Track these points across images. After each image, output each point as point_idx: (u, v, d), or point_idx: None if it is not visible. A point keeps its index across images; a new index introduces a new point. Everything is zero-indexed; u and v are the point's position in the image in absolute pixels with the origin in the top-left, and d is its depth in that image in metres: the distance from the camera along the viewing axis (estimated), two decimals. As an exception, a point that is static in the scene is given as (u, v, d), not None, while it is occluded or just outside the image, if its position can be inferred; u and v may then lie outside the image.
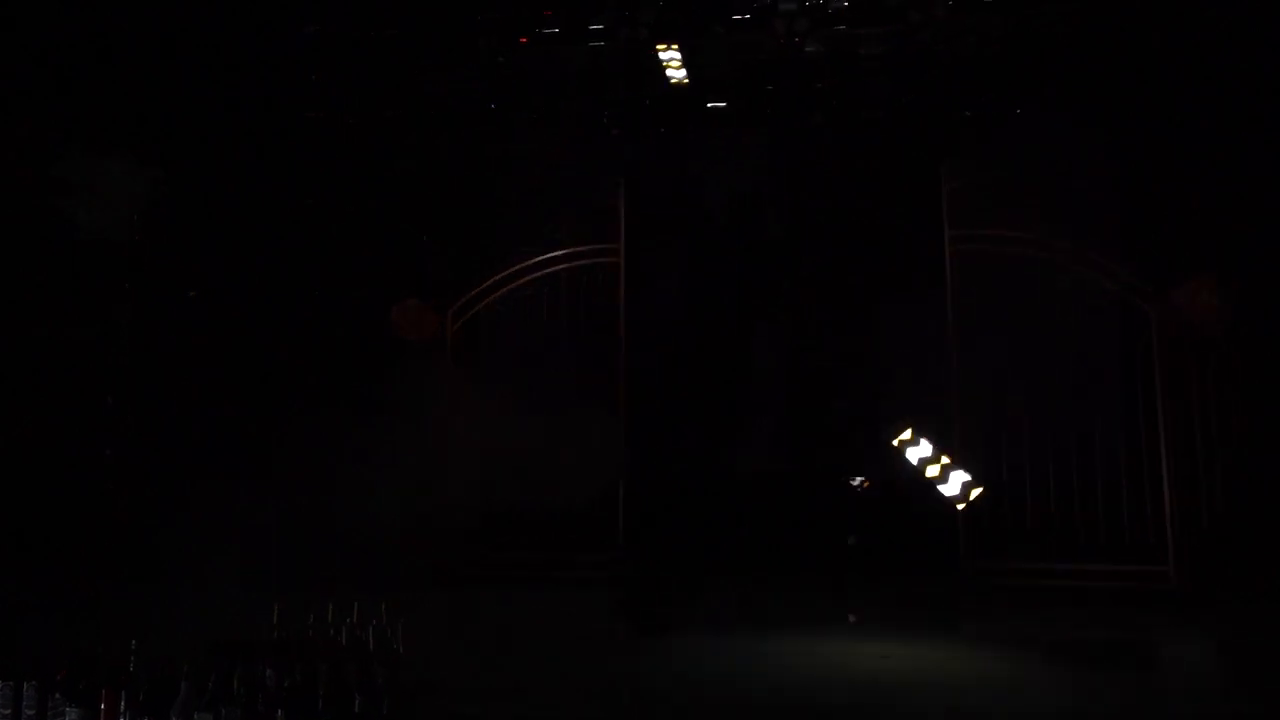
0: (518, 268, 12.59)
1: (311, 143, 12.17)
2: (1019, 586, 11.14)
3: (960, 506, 10.46)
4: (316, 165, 12.22)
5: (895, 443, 10.87)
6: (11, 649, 6.25)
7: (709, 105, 12.61)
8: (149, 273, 11.49)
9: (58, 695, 5.38)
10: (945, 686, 7.60)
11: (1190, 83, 10.89)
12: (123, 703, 5.33)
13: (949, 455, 10.66)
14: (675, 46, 11.34)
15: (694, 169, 12.68)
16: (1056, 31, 10.83)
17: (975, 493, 10.36)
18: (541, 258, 12.58)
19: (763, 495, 12.40)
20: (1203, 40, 10.55)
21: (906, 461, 10.74)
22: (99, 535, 11.07)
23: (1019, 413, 11.64)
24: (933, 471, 10.40)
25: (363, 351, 12.12)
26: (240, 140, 11.64)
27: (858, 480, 12.18)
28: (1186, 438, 11.13)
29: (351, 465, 10.98)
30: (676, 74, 11.80)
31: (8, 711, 5.42)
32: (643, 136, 12.78)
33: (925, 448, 10.68)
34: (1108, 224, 11.32)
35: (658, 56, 11.48)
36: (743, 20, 11.15)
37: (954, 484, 10.31)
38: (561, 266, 12.60)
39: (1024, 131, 11.56)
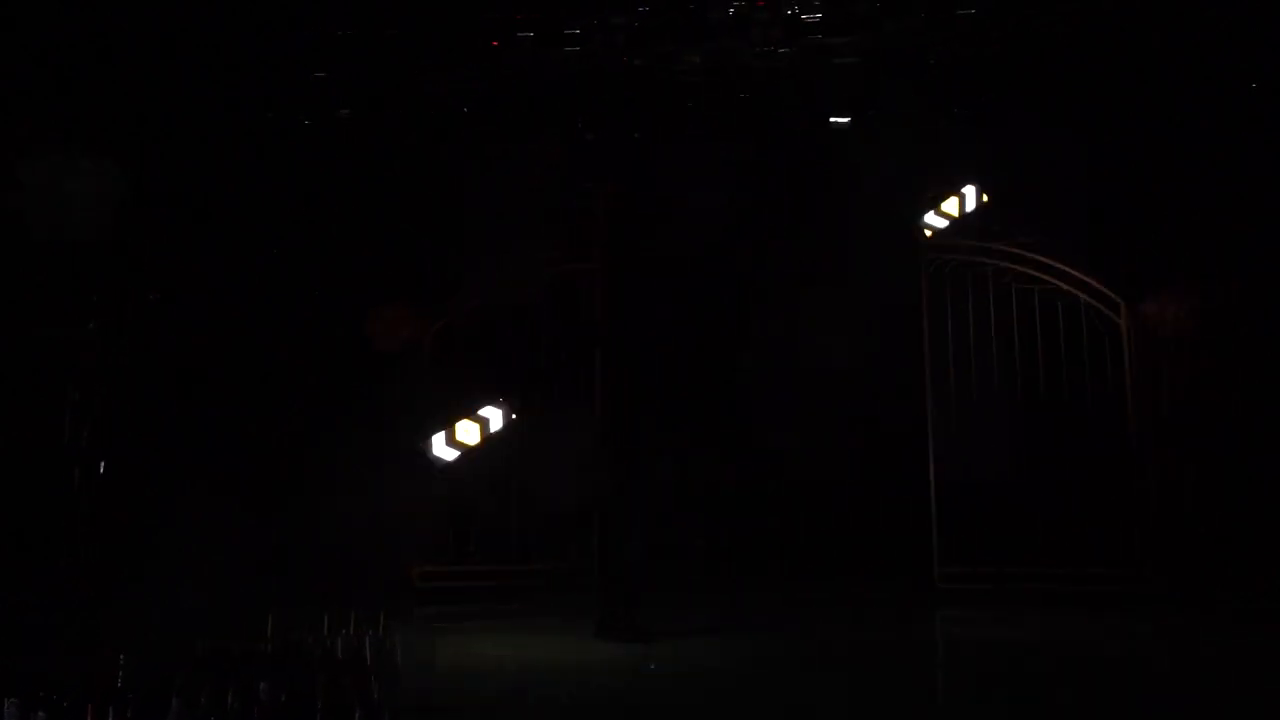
0: (496, 275, 11.74)
1: (283, 146, 11.39)
2: (992, 590, 10.66)
3: None
4: (288, 169, 11.45)
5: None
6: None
7: (687, 113, 11.99)
8: (124, 274, 10.73)
9: (40, 713, 4.78)
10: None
11: (1160, 91, 10.48)
12: (110, 720, 4.75)
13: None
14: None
15: (674, 176, 12.04)
16: (1030, 42, 10.37)
17: None
18: (520, 264, 11.77)
19: (743, 506, 11.81)
20: (1174, 49, 10.13)
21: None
22: (83, 541, 10.38)
23: (994, 417, 11.22)
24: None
25: (339, 359, 11.37)
26: (212, 141, 10.89)
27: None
28: (1160, 442, 10.73)
29: (328, 474, 10.25)
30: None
31: (-12, 729, 4.82)
32: (623, 144, 12.10)
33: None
34: (1080, 232, 10.93)
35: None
36: (719, 28, 10.55)
37: None
38: (541, 274, 11.80)
39: (995, 140, 11.13)
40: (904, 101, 11.27)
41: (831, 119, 11.76)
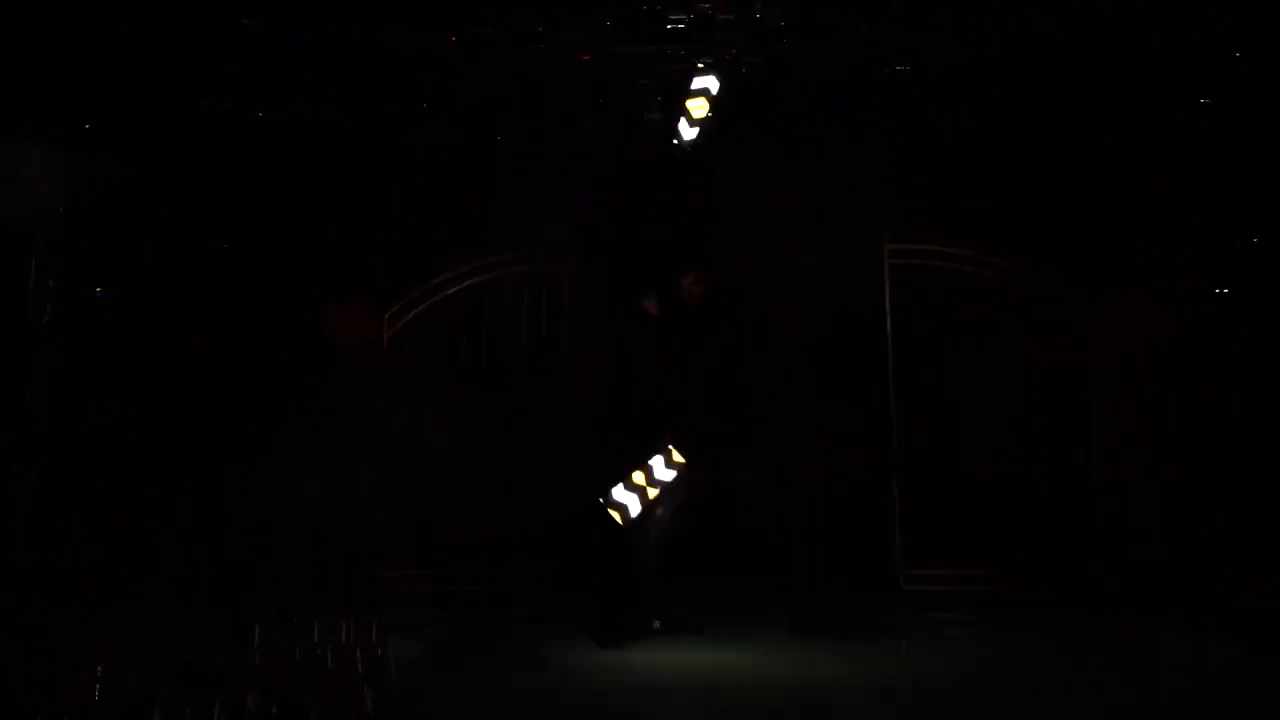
0: (461, 270, 10.77)
1: (245, 139, 10.58)
2: (952, 592, 10.06)
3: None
4: (248, 162, 10.65)
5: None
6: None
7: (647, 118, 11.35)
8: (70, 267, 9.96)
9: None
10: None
11: (1130, 96, 10.01)
12: (88, 738, 4.12)
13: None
14: None
15: (644, 177, 11.39)
16: (1000, 46, 9.85)
17: None
18: (487, 261, 10.78)
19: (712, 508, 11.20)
20: (1143, 53, 9.64)
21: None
22: (82, 541, 9.66)
23: (956, 423, 10.72)
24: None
25: (297, 355, 10.55)
26: (169, 133, 10.16)
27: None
28: (1116, 447, 10.21)
29: (318, 474, 9.49)
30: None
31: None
32: (590, 145, 11.40)
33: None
34: (1044, 239, 10.45)
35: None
36: (679, 31, 9.90)
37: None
38: (509, 270, 10.82)
39: (964, 145, 10.63)
40: (870, 104, 10.72)
41: (801, 121, 11.16)
